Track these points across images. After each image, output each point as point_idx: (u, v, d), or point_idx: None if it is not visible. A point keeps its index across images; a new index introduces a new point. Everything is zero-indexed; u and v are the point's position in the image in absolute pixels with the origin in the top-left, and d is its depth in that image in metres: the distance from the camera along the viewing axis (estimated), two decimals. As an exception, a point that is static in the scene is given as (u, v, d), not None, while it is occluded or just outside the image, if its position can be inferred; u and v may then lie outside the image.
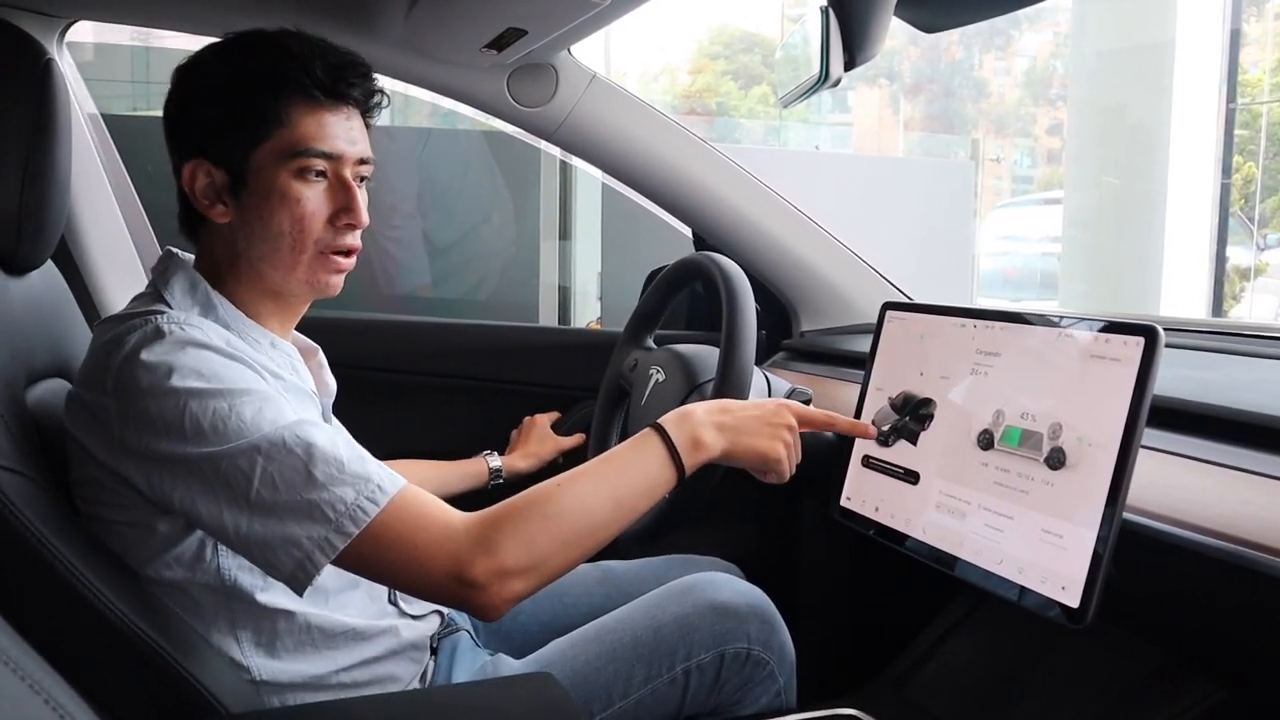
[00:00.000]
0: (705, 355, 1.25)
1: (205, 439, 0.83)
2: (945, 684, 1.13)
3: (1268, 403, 0.89)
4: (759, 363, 1.18)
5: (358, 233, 0.98)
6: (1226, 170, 6.55)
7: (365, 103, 0.99)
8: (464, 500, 1.38)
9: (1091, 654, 1.01)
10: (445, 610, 1.13)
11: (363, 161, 0.98)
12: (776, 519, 1.60)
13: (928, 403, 0.97)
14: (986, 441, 0.89)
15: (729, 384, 1.09)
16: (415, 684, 1.06)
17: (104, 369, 0.88)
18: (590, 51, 1.55)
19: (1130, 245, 6.11)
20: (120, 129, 1.75)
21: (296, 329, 1.06)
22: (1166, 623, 0.94)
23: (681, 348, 1.29)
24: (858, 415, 1.06)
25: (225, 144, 0.94)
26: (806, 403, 1.12)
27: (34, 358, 1.03)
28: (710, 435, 0.94)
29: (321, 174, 0.95)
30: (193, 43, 1.13)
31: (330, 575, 0.85)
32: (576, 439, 1.55)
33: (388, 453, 1.19)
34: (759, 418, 0.97)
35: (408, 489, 0.85)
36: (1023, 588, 0.82)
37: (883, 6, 1.12)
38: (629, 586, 1.24)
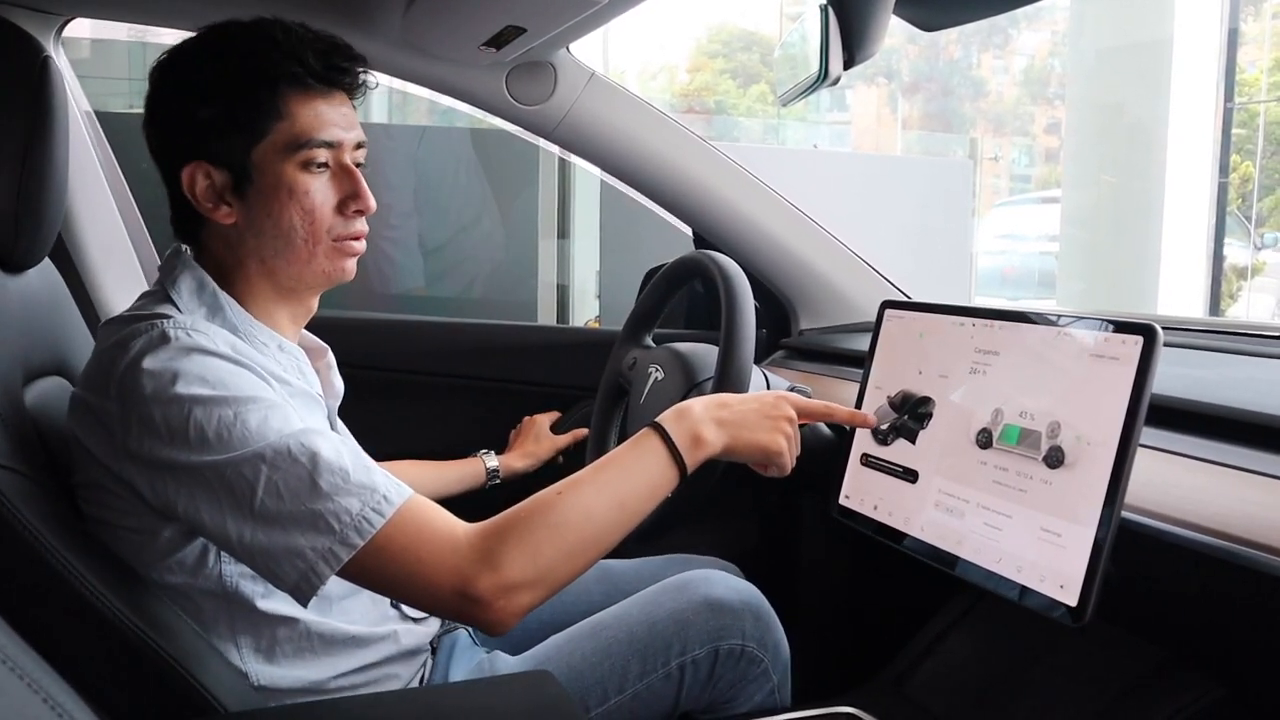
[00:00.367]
0: (704, 353, 1.25)
1: (210, 447, 0.82)
2: (944, 682, 1.13)
3: (1266, 401, 0.89)
4: (758, 361, 1.18)
5: (364, 217, 0.98)
6: (1224, 169, 6.56)
7: (354, 85, 0.98)
8: (462, 500, 1.39)
9: (1090, 652, 1.01)
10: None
11: (359, 145, 0.97)
12: (776, 518, 1.60)
13: (926, 401, 0.97)
14: (985, 440, 0.89)
15: (728, 382, 1.09)
16: (414, 684, 1.05)
17: (108, 373, 0.87)
18: (589, 49, 1.56)
19: (1128, 244, 6.12)
20: (117, 127, 1.75)
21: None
22: (1165, 621, 0.94)
23: (680, 346, 1.29)
24: (857, 413, 1.06)
25: (224, 144, 0.92)
26: (805, 399, 1.12)
27: (32, 356, 1.02)
28: (710, 431, 0.93)
29: (324, 164, 0.94)
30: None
31: (334, 582, 0.84)
32: (573, 436, 1.55)
33: (386, 453, 1.19)
34: (758, 411, 0.96)
35: (413, 499, 0.84)
36: (1024, 587, 0.82)
37: (882, 5, 1.12)
38: (628, 585, 1.24)
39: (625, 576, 1.28)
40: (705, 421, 0.93)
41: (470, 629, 1.15)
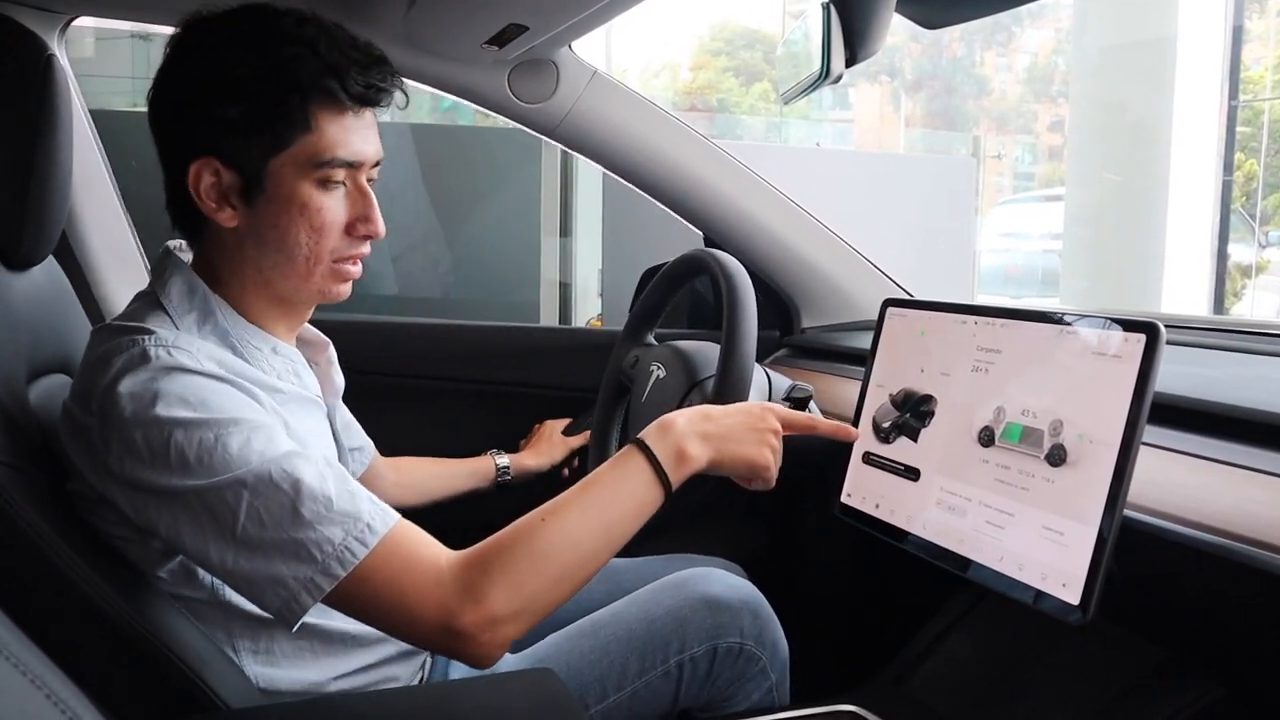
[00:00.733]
0: (706, 351, 1.25)
1: (190, 471, 0.80)
2: (945, 681, 1.13)
3: (1269, 400, 0.88)
4: (760, 359, 1.18)
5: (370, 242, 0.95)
6: (1228, 167, 6.55)
7: (388, 102, 0.95)
8: (470, 501, 1.38)
9: (1090, 652, 1.01)
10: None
11: (376, 163, 0.95)
12: (778, 517, 1.60)
13: (928, 399, 0.97)
14: (987, 438, 0.89)
15: (729, 380, 1.08)
16: (414, 681, 1.05)
17: (90, 390, 0.85)
18: (591, 48, 1.55)
19: (1131, 242, 6.11)
20: (120, 125, 1.75)
21: None
22: (1167, 620, 0.94)
23: (682, 344, 1.29)
24: (858, 412, 1.05)
25: (241, 146, 0.88)
26: (807, 399, 1.12)
27: (36, 353, 1.03)
28: (695, 446, 0.90)
29: (340, 182, 0.91)
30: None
31: None
32: (584, 437, 1.55)
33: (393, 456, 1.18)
34: (743, 423, 0.93)
35: (398, 527, 0.82)
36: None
37: (884, 3, 1.11)
38: (629, 584, 1.24)
39: (627, 575, 1.28)
40: (689, 436, 0.90)
41: None
